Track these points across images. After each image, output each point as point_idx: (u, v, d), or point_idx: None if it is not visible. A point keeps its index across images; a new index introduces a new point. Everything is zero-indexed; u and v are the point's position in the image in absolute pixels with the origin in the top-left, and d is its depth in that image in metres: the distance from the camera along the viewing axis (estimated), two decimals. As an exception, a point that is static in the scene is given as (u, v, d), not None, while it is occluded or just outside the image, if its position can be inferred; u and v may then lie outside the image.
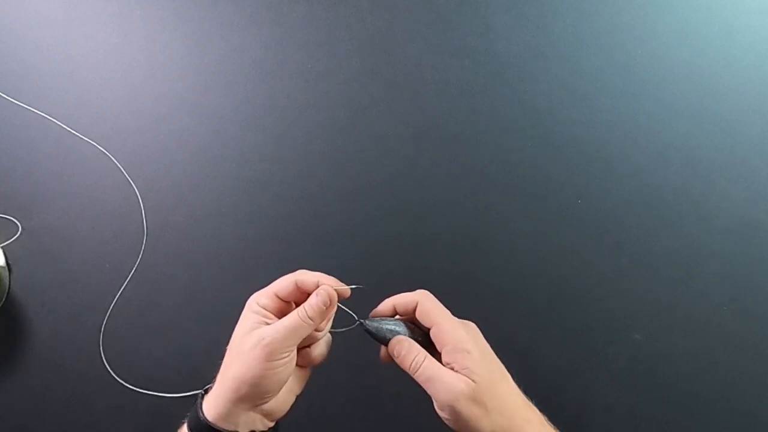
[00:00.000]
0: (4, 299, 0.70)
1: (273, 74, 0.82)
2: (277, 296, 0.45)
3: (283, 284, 0.46)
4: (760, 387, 0.68)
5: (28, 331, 0.70)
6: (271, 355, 0.42)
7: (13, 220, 0.74)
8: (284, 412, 0.46)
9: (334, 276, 0.47)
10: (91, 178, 0.76)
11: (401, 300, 0.48)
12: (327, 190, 0.77)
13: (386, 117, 0.80)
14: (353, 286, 0.47)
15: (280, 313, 0.45)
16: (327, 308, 0.44)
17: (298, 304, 0.46)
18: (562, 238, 0.74)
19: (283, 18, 0.84)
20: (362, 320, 0.47)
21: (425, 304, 0.46)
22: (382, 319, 0.47)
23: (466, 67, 0.82)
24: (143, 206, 0.75)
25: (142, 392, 0.68)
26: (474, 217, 0.76)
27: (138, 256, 0.73)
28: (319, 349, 0.48)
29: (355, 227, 0.75)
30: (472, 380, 0.41)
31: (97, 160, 0.77)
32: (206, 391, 0.46)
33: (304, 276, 0.46)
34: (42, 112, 0.79)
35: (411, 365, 0.44)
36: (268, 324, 0.44)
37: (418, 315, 0.46)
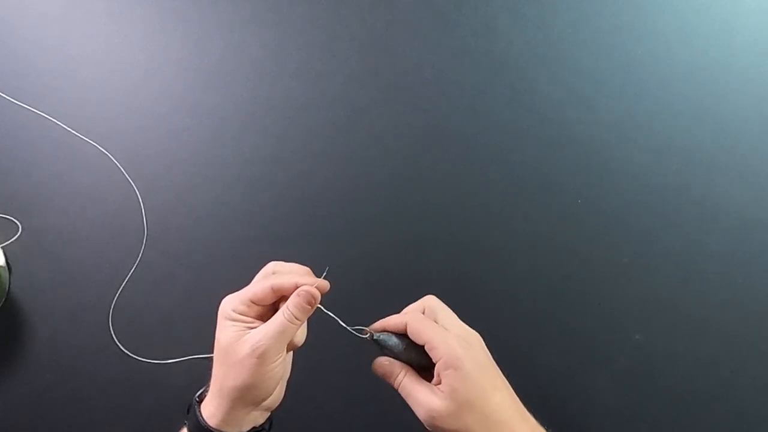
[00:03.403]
0: (4, 299, 0.70)
1: (273, 74, 0.82)
2: (253, 302, 0.45)
3: (259, 291, 0.45)
4: (760, 387, 0.68)
5: (28, 331, 0.70)
6: (266, 360, 0.42)
7: (13, 220, 0.74)
8: (279, 401, 0.47)
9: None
10: (91, 178, 0.76)
11: (391, 323, 0.47)
12: (327, 190, 0.77)
13: (386, 117, 0.80)
14: (324, 273, 0.47)
15: (259, 316, 0.45)
16: (311, 306, 0.45)
17: (275, 305, 0.46)
18: (562, 238, 0.74)
19: (283, 18, 0.84)
20: (372, 333, 0.47)
21: (413, 324, 0.45)
22: (389, 335, 0.47)
23: (466, 67, 0.82)
24: (143, 206, 0.75)
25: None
26: (474, 217, 0.76)
27: (138, 256, 0.73)
28: (300, 334, 0.48)
29: (355, 227, 0.75)
30: (453, 399, 0.41)
31: (97, 160, 0.77)
32: (201, 397, 0.46)
33: (281, 280, 0.45)
34: (42, 112, 0.79)
35: (394, 383, 0.45)
36: (251, 327, 0.44)
37: (410, 335, 0.46)
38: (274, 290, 0.45)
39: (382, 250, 0.74)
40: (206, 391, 0.46)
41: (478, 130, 0.79)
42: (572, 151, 0.78)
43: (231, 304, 0.45)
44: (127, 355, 0.69)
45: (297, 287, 0.45)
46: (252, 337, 0.43)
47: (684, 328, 0.71)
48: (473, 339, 0.46)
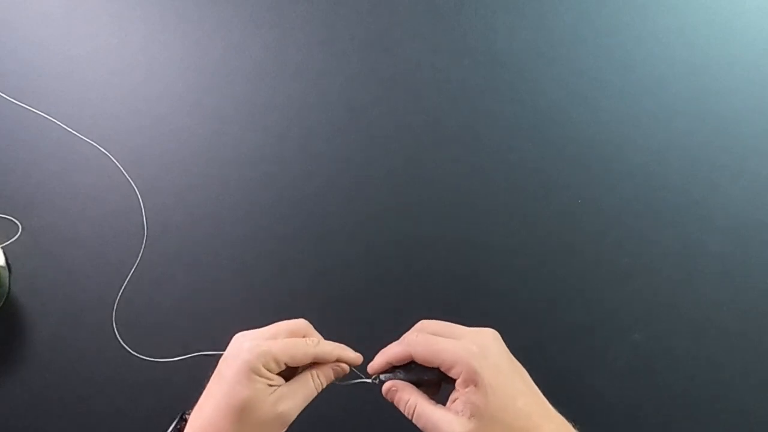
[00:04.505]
0: (4, 299, 0.70)
1: (273, 74, 0.82)
2: (287, 365, 0.43)
3: (299, 357, 0.43)
4: (760, 387, 0.68)
5: (28, 331, 0.70)
6: (285, 424, 0.42)
7: (13, 220, 0.74)
8: None
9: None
10: (91, 178, 0.76)
11: (393, 355, 0.45)
12: (327, 190, 0.77)
13: (386, 117, 0.80)
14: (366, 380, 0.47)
15: (280, 372, 0.44)
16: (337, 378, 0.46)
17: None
18: (562, 238, 0.74)
19: (283, 18, 0.84)
20: (378, 378, 0.46)
21: (420, 353, 0.43)
22: (395, 370, 0.46)
23: (466, 67, 0.82)
24: (143, 206, 0.75)
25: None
26: (474, 216, 0.76)
27: (138, 256, 0.73)
28: None
29: (355, 227, 0.75)
30: (476, 417, 0.39)
31: (97, 160, 0.77)
32: (181, 429, 0.44)
33: (324, 352, 0.45)
34: (42, 112, 0.79)
35: (406, 411, 0.44)
36: (271, 385, 0.42)
37: (420, 363, 0.44)
38: (315, 359, 0.45)
39: (382, 250, 0.74)
40: (180, 428, 0.44)
41: (478, 130, 0.79)
42: (572, 151, 0.78)
43: (262, 358, 0.41)
44: (130, 354, 0.69)
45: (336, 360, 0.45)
46: (282, 402, 0.42)
47: (684, 328, 0.71)
48: (487, 341, 0.43)
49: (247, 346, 0.42)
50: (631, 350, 0.70)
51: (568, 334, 0.71)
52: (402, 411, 0.44)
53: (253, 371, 0.41)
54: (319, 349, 0.45)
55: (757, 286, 0.72)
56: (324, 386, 0.44)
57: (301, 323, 0.47)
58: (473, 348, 0.41)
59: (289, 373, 0.44)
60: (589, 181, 0.77)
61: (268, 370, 0.42)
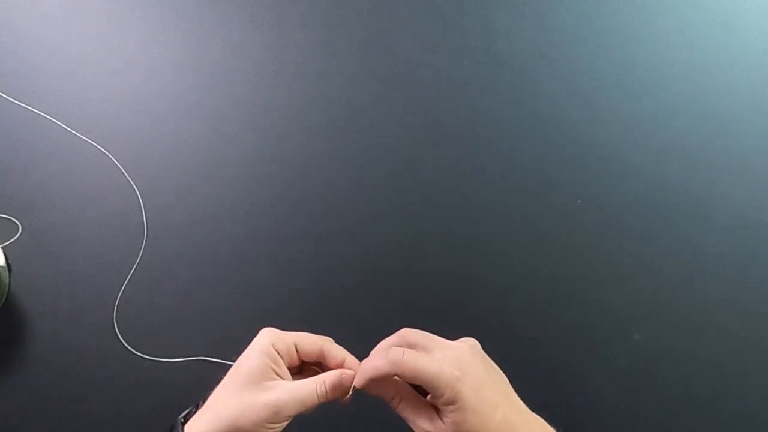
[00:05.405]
0: (4, 299, 0.70)
1: (273, 74, 0.82)
2: (296, 347, 0.44)
3: (308, 343, 0.45)
4: (760, 387, 0.68)
5: (28, 331, 0.70)
6: (276, 417, 0.42)
7: (13, 220, 0.74)
8: None
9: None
10: (91, 178, 0.76)
11: (377, 374, 0.43)
12: (327, 190, 0.77)
13: (386, 117, 0.80)
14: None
15: (289, 364, 0.45)
16: (345, 393, 0.45)
17: (302, 367, 0.46)
18: (562, 238, 0.74)
19: (283, 18, 0.84)
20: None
21: (402, 373, 0.42)
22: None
23: (466, 67, 0.82)
24: (143, 206, 0.75)
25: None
26: (474, 216, 0.76)
27: (138, 256, 0.73)
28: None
29: (355, 227, 0.75)
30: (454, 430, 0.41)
31: (97, 160, 0.77)
32: (186, 418, 0.44)
33: (332, 347, 0.46)
34: (42, 112, 0.79)
35: (391, 404, 0.44)
36: (276, 373, 0.43)
37: (403, 379, 0.43)
38: (321, 351, 0.45)
39: (382, 250, 0.74)
40: (192, 412, 0.45)
41: (478, 130, 0.79)
42: (572, 151, 0.78)
43: (273, 338, 0.44)
44: (131, 354, 0.69)
45: (343, 362, 0.45)
46: (275, 391, 0.42)
47: (684, 328, 0.71)
48: (466, 358, 0.43)
49: (262, 332, 0.45)
50: (631, 350, 0.70)
51: (567, 334, 0.71)
52: (387, 402, 0.44)
53: (260, 350, 0.43)
54: (328, 344, 0.46)
55: (757, 286, 0.72)
56: (327, 393, 0.44)
57: (325, 338, 0.48)
58: (456, 372, 0.41)
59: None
60: (589, 181, 0.77)
61: (277, 351, 0.43)
